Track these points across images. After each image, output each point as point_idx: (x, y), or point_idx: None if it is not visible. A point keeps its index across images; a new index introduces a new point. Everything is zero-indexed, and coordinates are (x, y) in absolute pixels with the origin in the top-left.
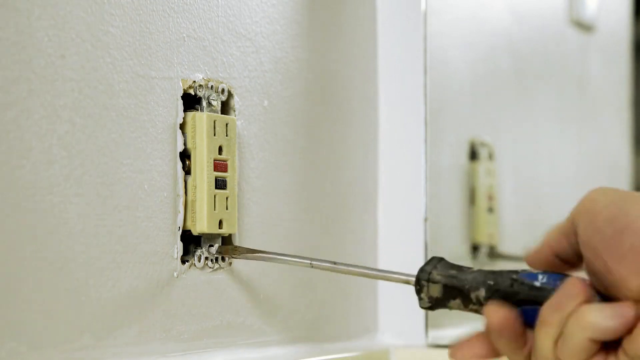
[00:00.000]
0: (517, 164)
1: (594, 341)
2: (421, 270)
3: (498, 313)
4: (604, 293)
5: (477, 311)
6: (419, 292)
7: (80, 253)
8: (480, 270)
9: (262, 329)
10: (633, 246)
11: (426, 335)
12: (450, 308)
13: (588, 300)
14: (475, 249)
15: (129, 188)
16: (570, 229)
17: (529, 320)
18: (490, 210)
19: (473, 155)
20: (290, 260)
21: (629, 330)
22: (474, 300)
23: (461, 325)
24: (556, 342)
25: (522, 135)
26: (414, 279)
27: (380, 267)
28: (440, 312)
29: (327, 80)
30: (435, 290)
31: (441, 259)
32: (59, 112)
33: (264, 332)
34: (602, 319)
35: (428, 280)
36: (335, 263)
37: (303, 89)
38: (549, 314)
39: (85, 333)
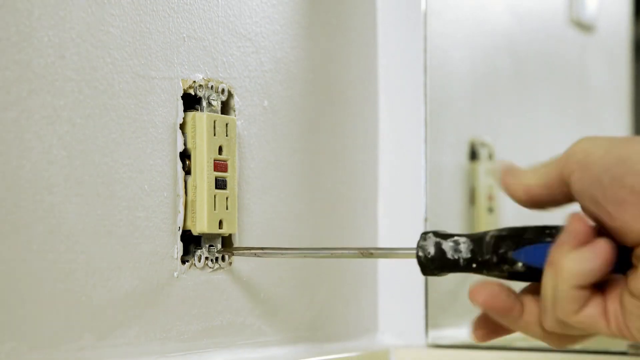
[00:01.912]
0: (517, 163)
1: (580, 287)
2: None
3: (483, 291)
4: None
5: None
6: (423, 241)
7: (80, 253)
8: None
9: (262, 329)
10: (633, 189)
11: (426, 335)
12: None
13: (590, 235)
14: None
15: (129, 188)
16: (559, 180)
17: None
18: (490, 210)
19: (473, 155)
20: (288, 253)
21: (634, 268)
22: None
23: (461, 325)
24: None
25: (522, 135)
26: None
27: (380, 267)
28: (441, 312)
29: (327, 80)
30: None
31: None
32: (59, 112)
33: (264, 332)
34: (579, 263)
35: (434, 234)
36: (334, 249)
37: (303, 89)
38: (553, 254)
39: (85, 333)
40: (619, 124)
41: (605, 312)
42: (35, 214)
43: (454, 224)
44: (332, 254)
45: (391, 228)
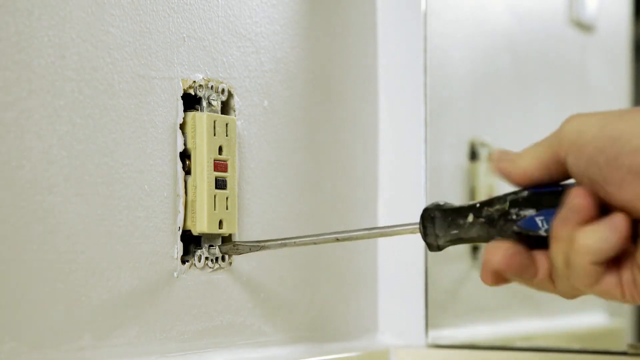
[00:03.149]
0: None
1: (597, 263)
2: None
3: (499, 252)
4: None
5: (490, 216)
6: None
7: (80, 253)
8: None
9: (262, 329)
10: (631, 168)
11: (426, 335)
12: (463, 220)
13: (591, 211)
14: (475, 248)
15: (129, 188)
16: (555, 161)
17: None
18: None
19: (473, 155)
20: (295, 242)
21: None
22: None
23: (461, 325)
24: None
25: (522, 135)
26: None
27: (380, 267)
28: (441, 312)
29: (327, 80)
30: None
31: None
32: (59, 112)
33: (264, 332)
34: (597, 240)
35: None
36: (338, 232)
37: (303, 89)
38: (558, 229)
39: (85, 333)
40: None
41: (620, 282)
42: (35, 214)
43: None
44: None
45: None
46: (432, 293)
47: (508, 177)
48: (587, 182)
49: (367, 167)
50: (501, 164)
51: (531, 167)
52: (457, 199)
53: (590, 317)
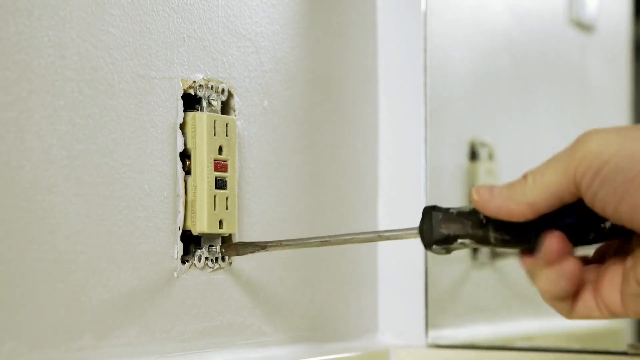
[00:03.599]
0: (517, 164)
1: (557, 299)
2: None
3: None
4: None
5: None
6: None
7: (80, 253)
8: None
9: (262, 329)
10: None
11: (426, 335)
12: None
13: (559, 256)
14: (475, 249)
15: (129, 188)
16: (570, 188)
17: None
18: None
19: (473, 155)
20: (300, 243)
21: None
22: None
23: (461, 325)
24: None
25: (522, 135)
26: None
27: (381, 268)
28: (441, 312)
29: (327, 80)
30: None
31: None
32: (59, 112)
33: (264, 332)
34: (548, 284)
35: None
36: (339, 235)
37: (303, 89)
38: (532, 265)
39: (85, 333)
40: (619, 124)
41: (597, 304)
42: (35, 214)
43: None
44: (343, 240)
45: (391, 228)
46: (432, 293)
47: (508, 217)
48: (599, 203)
49: (367, 167)
50: (494, 203)
51: (541, 199)
52: (457, 199)
53: None
